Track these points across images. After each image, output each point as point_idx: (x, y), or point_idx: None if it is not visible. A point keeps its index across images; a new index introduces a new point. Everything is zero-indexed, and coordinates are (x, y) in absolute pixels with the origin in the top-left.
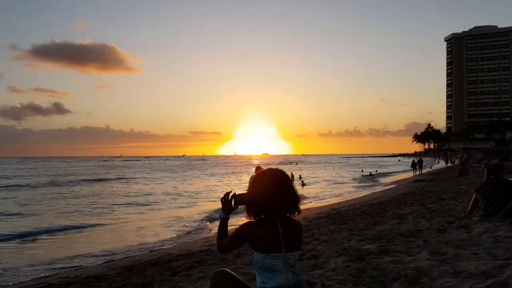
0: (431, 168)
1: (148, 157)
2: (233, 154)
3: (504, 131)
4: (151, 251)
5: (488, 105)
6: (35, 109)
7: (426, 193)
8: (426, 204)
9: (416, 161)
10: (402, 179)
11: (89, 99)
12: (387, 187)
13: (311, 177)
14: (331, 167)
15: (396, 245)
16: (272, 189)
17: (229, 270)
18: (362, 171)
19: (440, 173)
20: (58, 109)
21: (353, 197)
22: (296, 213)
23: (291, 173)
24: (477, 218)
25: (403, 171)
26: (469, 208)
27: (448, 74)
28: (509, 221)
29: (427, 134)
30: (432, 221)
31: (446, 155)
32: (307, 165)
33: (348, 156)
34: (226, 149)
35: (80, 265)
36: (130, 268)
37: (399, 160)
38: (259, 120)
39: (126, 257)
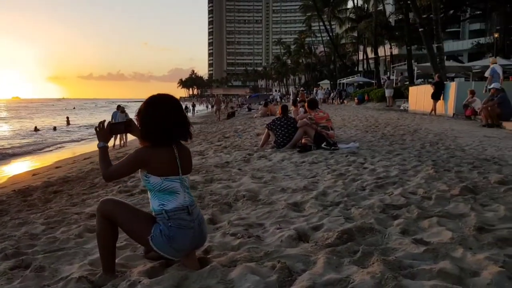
0: (196, 112)
1: None
2: None
3: (256, 80)
4: None
5: (244, 55)
6: None
7: (208, 133)
8: (214, 142)
9: (189, 106)
10: None
11: None
12: None
13: None
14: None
15: (218, 174)
16: (167, 117)
17: (116, 198)
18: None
19: (208, 117)
20: None
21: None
22: (189, 139)
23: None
24: (269, 150)
25: None
26: (261, 143)
27: (209, 23)
28: (297, 150)
29: (191, 80)
30: (232, 154)
31: (208, 100)
32: (84, 110)
33: (113, 101)
34: None
35: None
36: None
37: None
38: (7, 59)
39: None
